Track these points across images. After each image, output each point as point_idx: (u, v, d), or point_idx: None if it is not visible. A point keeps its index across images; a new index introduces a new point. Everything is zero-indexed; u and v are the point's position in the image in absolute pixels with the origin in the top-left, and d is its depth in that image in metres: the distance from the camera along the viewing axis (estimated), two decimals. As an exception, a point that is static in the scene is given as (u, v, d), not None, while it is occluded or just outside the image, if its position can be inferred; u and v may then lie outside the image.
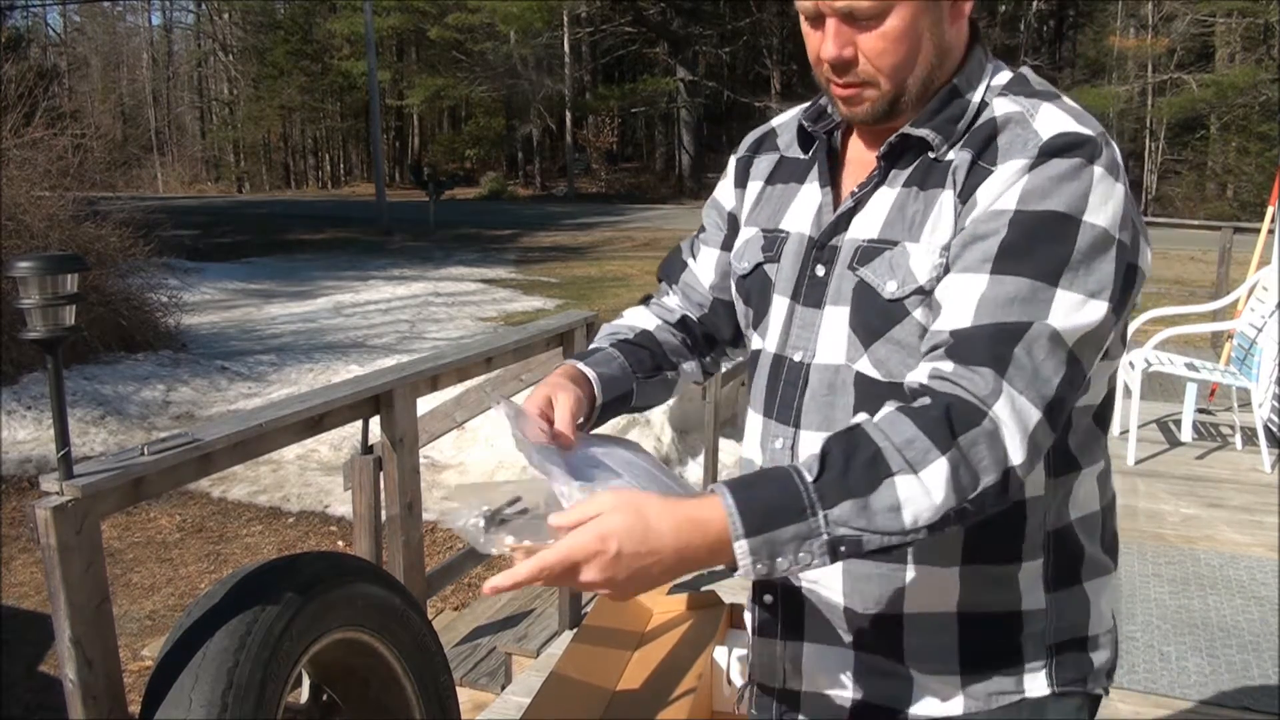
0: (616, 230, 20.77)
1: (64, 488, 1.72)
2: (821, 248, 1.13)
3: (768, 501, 0.91)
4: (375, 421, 2.61)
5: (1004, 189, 1.00)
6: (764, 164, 1.27)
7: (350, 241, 19.53)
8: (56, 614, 1.73)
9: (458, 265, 16.14)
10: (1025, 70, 1.13)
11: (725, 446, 5.78)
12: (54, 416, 1.79)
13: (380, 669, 2.22)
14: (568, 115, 31.06)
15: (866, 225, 1.10)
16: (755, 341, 1.23)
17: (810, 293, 1.14)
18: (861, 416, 0.97)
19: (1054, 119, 1.02)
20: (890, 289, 1.05)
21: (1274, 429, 4.99)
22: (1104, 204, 0.98)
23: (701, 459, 5.41)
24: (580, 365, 1.23)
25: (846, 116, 1.10)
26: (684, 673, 2.78)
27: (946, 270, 1.02)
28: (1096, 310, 0.97)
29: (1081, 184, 0.98)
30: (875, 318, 1.07)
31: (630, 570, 0.93)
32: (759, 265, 1.20)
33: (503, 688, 3.26)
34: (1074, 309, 0.96)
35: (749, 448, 1.23)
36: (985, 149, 1.03)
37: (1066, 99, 1.07)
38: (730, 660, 2.75)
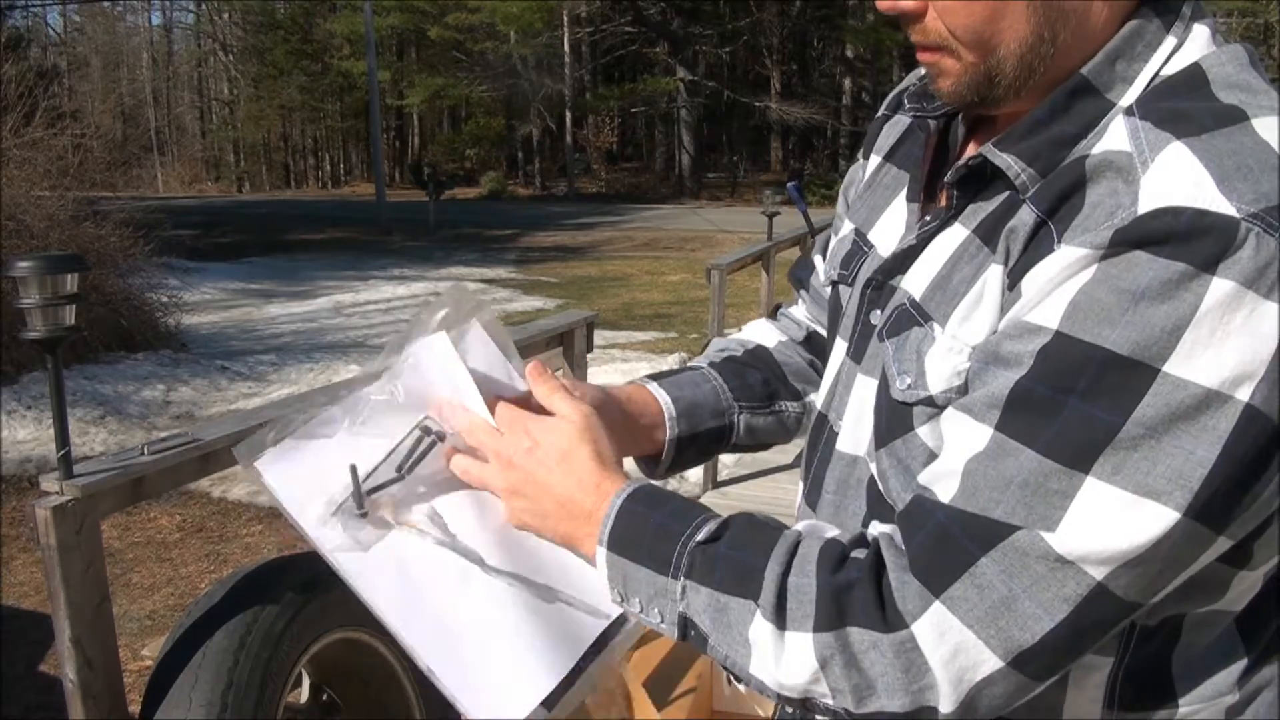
0: (616, 230, 20.76)
1: (64, 487, 1.72)
2: (879, 288, 0.82)
3: (648, 530, 0.73)
4: (375, 421, 2.61)
5: (1051, 287, 0.64)
6: (895, 129, 0.91)
7: (350, 241, 19.52)
8: (56, 614, 1.73)
9: (458, 265, 16.13)
10: (1215, 55, 0.69)
11: (725, 446, 5.78)
12: (54, 416, 1.79)
13: (380, 669, 2.22)
14: (568, 115, 31.05)
15: (921, 275, 0.77)
16: (814, 391, 0.96)
17: (860, 344, 0.84)
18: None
19: (1175, 175, 0.62)
20: (900, 386, 0.76)
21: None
22: (1215, 345, 0.59)
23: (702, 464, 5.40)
24: (648, 383, 0.95)
25: (939, 97, 0.77)
26: (684, 673, 2.79)
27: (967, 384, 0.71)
28: (1154, 521, 0.60)
29: (1175, 309, 0.59)
30: (884, 416, 0.78)
31: (519, 483, 0.78)
32: (835, 285, 0.91)
33: (503, 688, 3.25)
34: (1109, 515, 0.60)
35: (796, 508, 0.95)
36: (1060, 206, 0.66)
37: (1257, 127, 0.63)
38: (730, 660, 2.75)
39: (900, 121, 0.91)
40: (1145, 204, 0.61)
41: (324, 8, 34.74)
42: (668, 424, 0.94)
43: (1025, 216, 0.68)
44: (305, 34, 35.93)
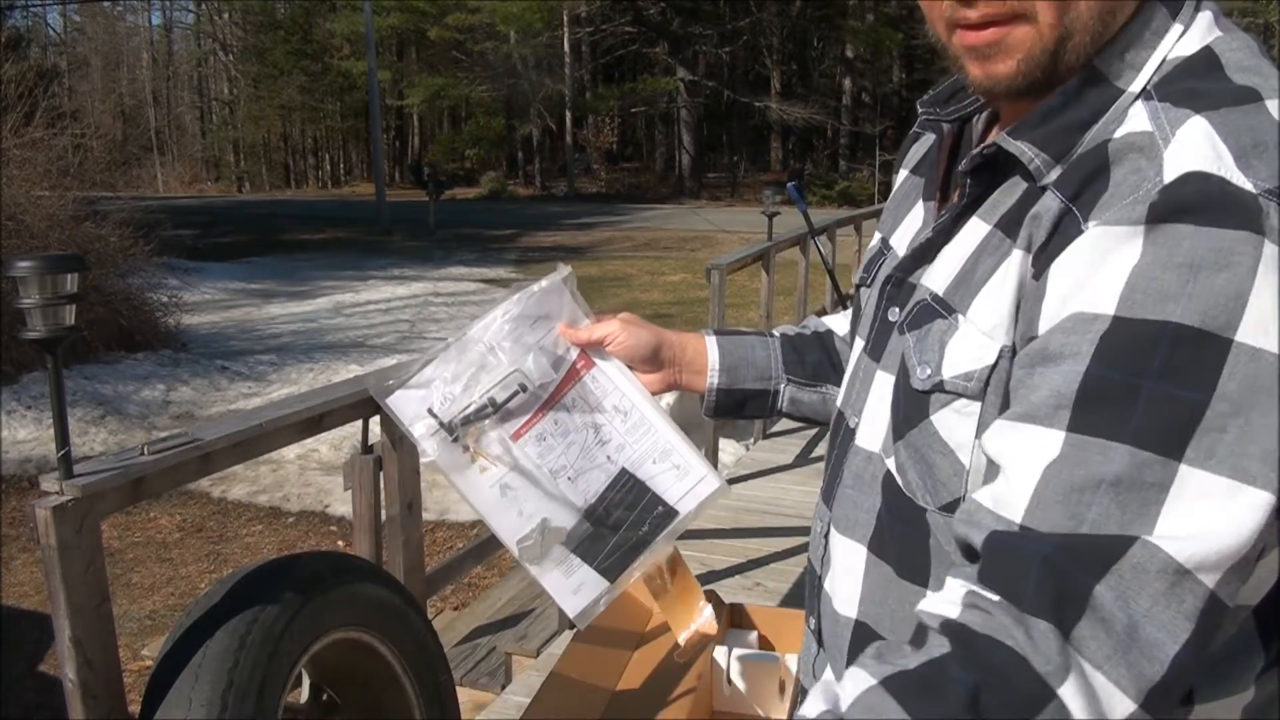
0: (616, 230, 20.77)
1: (64, 487, 1.72)
2: (899, 284, 0.82)
3: None
4: (375, 421, 2.61)
5: (1090, 271, 0.62)
6: (921, 145, 0.94)
7: (350, 241, 19.53)
8: (56, 614, 1.73)
9: (458, 265, 16.14)
10: (1225, 40, 0.71)
11: (725, 446, 5.78)
12: (54, 416, 1.79)
13: (380, 669, 2.22)
14: (568, 115, 31.07)
15: (942, 270, 0.78)
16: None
17: (878, 340, 0.84)
18: (847, 677, 0.60)
19: (1197, 145, 0.62)
20: (920, 376, 0.75)
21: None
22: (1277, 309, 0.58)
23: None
24: (707, 335, 1.06)
25: (982, 86, 0.72)
26: (684, 673, 2.78)
27: (991, 376, 0.70)
28: (1252, 510, 0.56)
29: (1233, 276, 0.58)
30: (903, 408, 0.78)
31: None
32: (858, 289, 0.95)
33: (503, 688, 3.26)
34: (1212, 507, 0.57)
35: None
36: (1084, 191, 0.65)
37: (1270, 108, 0.64)
38: (730, 660, 2.75)
39: (929, 139, 0.92)
40: (1171, 172, 0.61)
41: (324, 8, 34.75)
42: (710, 374, 1.05)
43: (1049, 203, 0.67)
44: (305, 34, 35.93)
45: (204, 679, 1.75)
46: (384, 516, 2.69)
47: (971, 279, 0.73)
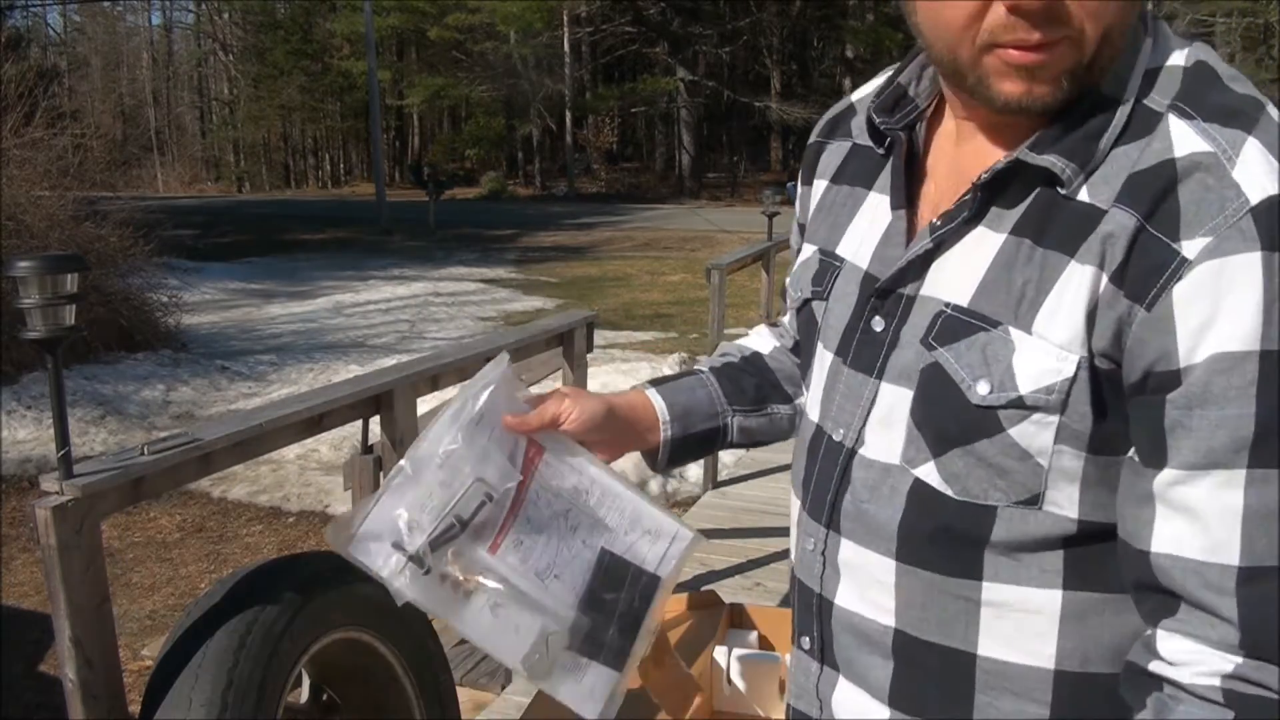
0: (616, 230, 20.76)
1: (64, 487, 1.72)
2: (885, 295, 0.83)
3: None
4: (375, 421, 2.61)
5: (1217, 306, 0.66)
6: (834, 154, 0.96)
7: (350, 241, 19.53)
8: (56, 614, 1.73)
9: (458, 265, 16.13)
10: (1201, 51, 0.76)
11: (725, 446, 5.78)
12: (54, 416, 1.79)
13: (380, 669, 2.22)
14: (568, 115, 31.06)
15: (954, 281, 0.79)
16: (803, 396, 0.97)
17: (863, 353, 0.85)
18: None
19: (1259, 167, 0.68)
20: (981, 391, 0.75)
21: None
22: None
23: (701, 459, 5.41)
24: (647, 389, 1.01)
25: (1018, 104, 0.73)
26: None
27: (1072, 389, 0.73)
28: None
29: None
30: (951, 421, 0.78)
31: None
32: (807, 302, 0.94)
33: (503, 688, 3.25)
34: None
35: (792, 520, 0.96)
36: (1157, 209, 0.69)
37: (1272, 114, 0.72)
38: (730, 660, 2.75)
39: (837, 147, 0.97)
40: (1253, 196, 0.66)
41: (324, 8, 34.74)
42: (663, 428, 1.02)
43: (1122, 220, 0.70)
44: (305, 34, 35.92)
45: (204, 679, 1.75)
46: (384, 516, 2.68)
47: (1009, 288, 0.75)
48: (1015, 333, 0.74)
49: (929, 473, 0.79)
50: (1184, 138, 0.70)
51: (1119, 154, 0.73)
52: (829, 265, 0.92)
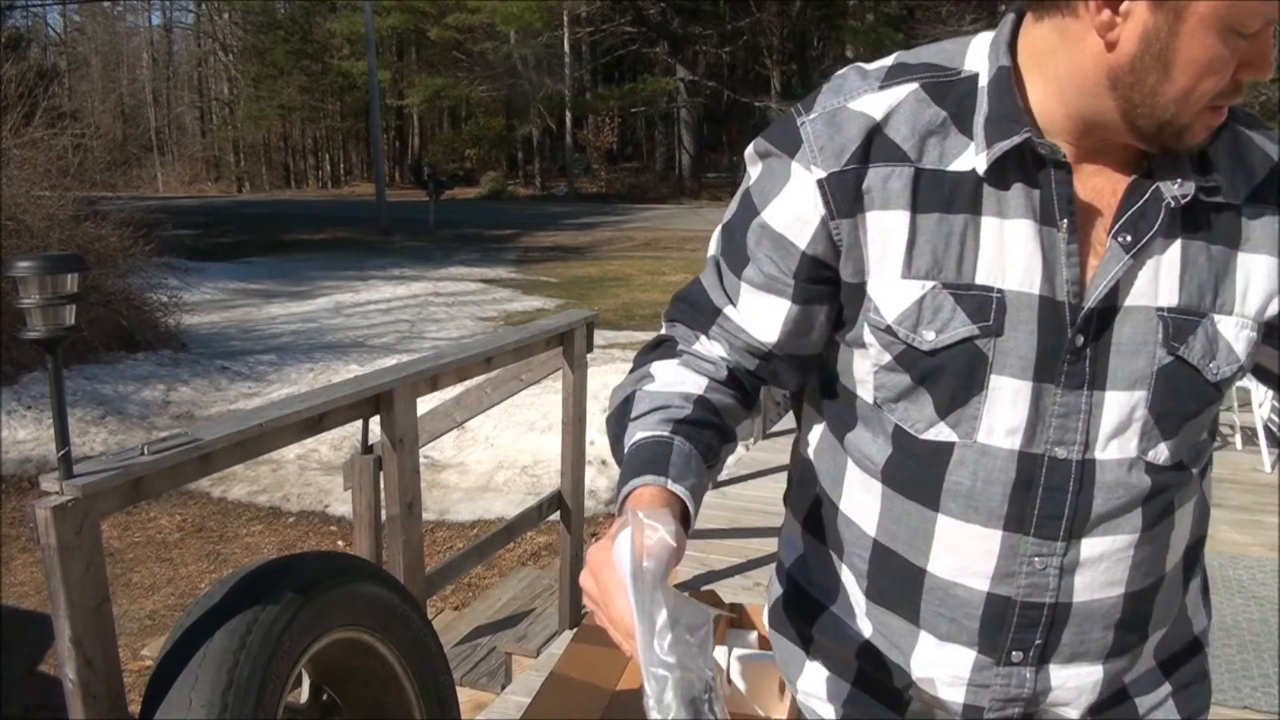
0: (616, 230, 20.77)
1: (64, 487, 1.72)
2: (1090, 318, 0.89)
3: None
4: (375, 421, 2.61)
5: None
6: (894, 181, 0.89)
7: (350, 241, 19.53)
8: (56, 614, 1.73)
9: (458, 265, 16.13)
10: None
11: (725, 446, 5.78)
12: (54, 416, 1.79)
13: (380, 669, 2.22)
14: (568, 115, 31.06)
15: (1154, 287, 0.89)
16: (942, 432, 0.93)
17: (1073, 372, 0.89)
18: None
19: None
20: (1213, 371, 0.91)
21: (1274, 429, 4.99)
22: None
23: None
24: (672, 486, 0.91)
25: (1197, 143, 0.88)
26: (684, 673, 2.78)
27: (1257, 341, 0.94)
28: None
29: None
30: (1192, 402, 0.92)
31: None
32: (969, 340, 0.90)
33: (503, 688, 3.26)
34: None
35: (943, 562, 0.95)
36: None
37: None
38: (730, 660, 2.75)
39: (893, 171, 0.89)
40: None
41: (324, 8, 34.74)
42: (692, 518, 0.95)
43: (1270, 215, 0.91)
44: (305, 34, 35.93)
45: (204, 679, 1.75)
46: (384, 516, 2.69)
47: (1198, 282, 0.90)
48: (1218, 318, 0.90)
49: (1159, 453, 0.92)
50: (1265, 144, 0.92)
51: (1224, 165, 0.90)
52: (984, 299, 0.89)
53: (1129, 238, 0.87)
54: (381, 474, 2.64)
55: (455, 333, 10.61)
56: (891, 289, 0.91)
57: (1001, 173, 0.88)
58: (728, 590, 3.61)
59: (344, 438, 6.21)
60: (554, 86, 30.06)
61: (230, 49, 41.82)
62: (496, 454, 6.39)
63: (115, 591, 4.36)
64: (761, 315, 0.97)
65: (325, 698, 2.25)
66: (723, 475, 5.16)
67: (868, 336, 0.93)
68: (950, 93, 0.90)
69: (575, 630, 3.23)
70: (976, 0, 26.05)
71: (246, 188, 39.37)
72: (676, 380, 0.99)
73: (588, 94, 32.20)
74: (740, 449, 5.94)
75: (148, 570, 5.16)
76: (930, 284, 0.90)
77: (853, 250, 0.91)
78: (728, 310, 1.00)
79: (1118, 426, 0.90)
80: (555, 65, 30.16)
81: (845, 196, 0.90)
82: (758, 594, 3.74)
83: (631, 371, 1.04)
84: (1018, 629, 0.96)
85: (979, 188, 0.88)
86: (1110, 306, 0.88)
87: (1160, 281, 0.89)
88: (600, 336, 6.29)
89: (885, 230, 0.90)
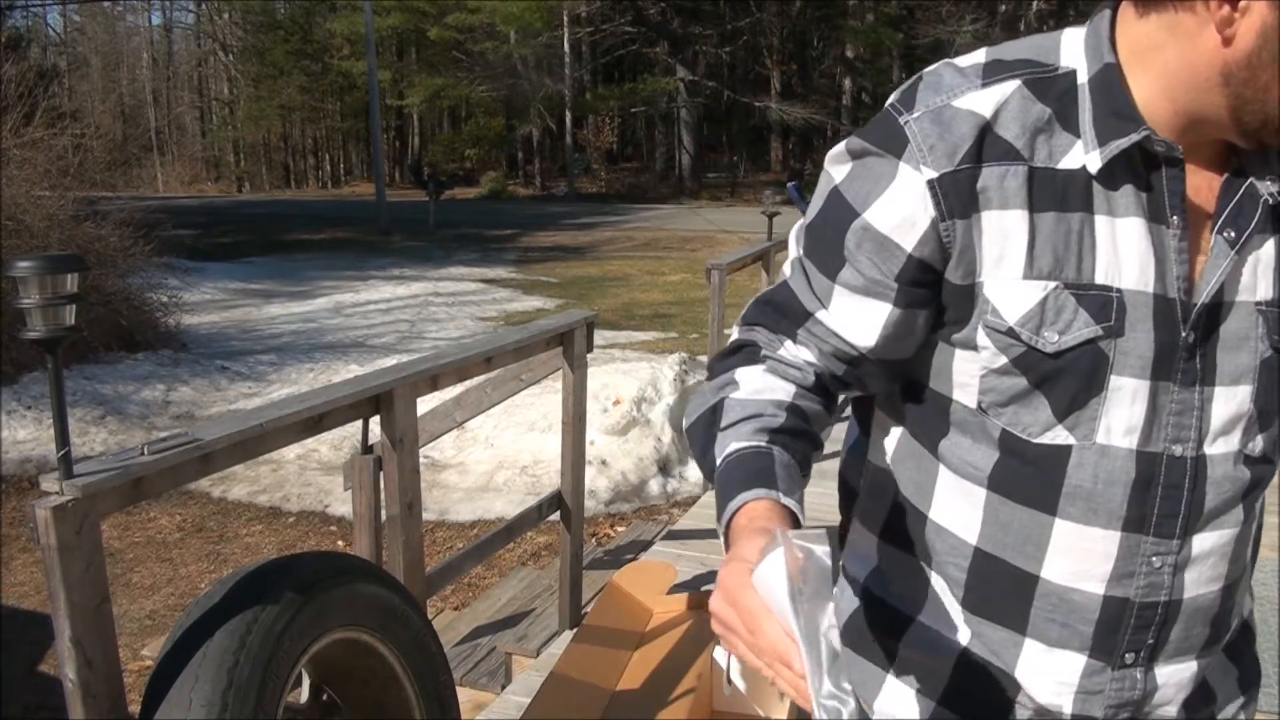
0: (616, 230, 20.77)
1: (64, 487, 1.72)
2: (1201, 312, 0.90)
3: None
4: (375, 421, 2.61)
5: None
6: (1009, 180, 0.88)
7: (350, 241, 19.53)
8: (56, 614, 1.73)
9: (458, 265, 16.13)
10: None
11: (725, 446, 5.79)
12: (54, 416, 1.79)
13: (380, 669, 2.22)
14: (568, 115, 31.06)
15: (1254, 282, 0.92)
16: (1059, 436, 0.92)
17: (1187, 369, 0.91)
18: None
19: None
20: None
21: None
22: None
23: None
24: (784, 500, 0.88)
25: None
26: (684, 673, 2.79)
27: None
28: None
29: None
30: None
31: None
32: (1092, 341, 0.89)
33: (503, 688, 3.26)
34: None
35: (1058, 566, 0.94)
36: None
37: None
38: (730, 660, 2.76)
39: (1007, 170, 0.88)
40: None
41: (324, 8, 34.74)
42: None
43: None
44: (305, 34, 35.93)
45: (204, 679, 1.75)
46: (384, 516, 2.69)
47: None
48: None
49: (1257, 444, 0.94)
50: None
51: None
52: (1103, 298, 0.89)
53: (1233, 234, 0.89)
54: (381, 474, 2.64)
55: (455, 333, 10.61)
56: (1012, 290, 0.89)
57: (1111, 170, 0.88)
58: (728, 590, 3.61)
59: (344, 438, 6.21)
60: (554, 86, 30.06)
61: (230, 49, 41.82)
62: (496, 454, 6.39)
63: (115, 591, 4.36)
64: (859, 319, 0.94)
65: (325, 698, 2.25)
66: (723, 475, 5.16)
67: (982, 339, 0.91)
68: (1051, 89, 0.89)
69: (575, 630, 3.23)
70: (976, 0, 26.05)
71: (246, 188, 39.37)
72: (765, 387, 0.96)
73: (588, 94, 32.20)
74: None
75: (148, 570, 5.16)
76: (1052, 284, 0.89)
77: (965, 252, 0.89)
78: (820, 314, 0.96)
79: (1226, 422, 0.92)
80: (555, 65, 30.16)
81: (959, 197, 0.88)
82: (758, 594, 3.73)
83: (710, 378, 1.00)
84: (1134, 630, 0.96)
85: (1089, 185, 0.88)
86: (1218, 303, 0.90)
87: (1258, 276, 0.91)
88: (600, 336, 6.29)
89: (1003, 230, 0.88)
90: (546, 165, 34.45)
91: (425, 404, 2.91)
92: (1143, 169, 0.88)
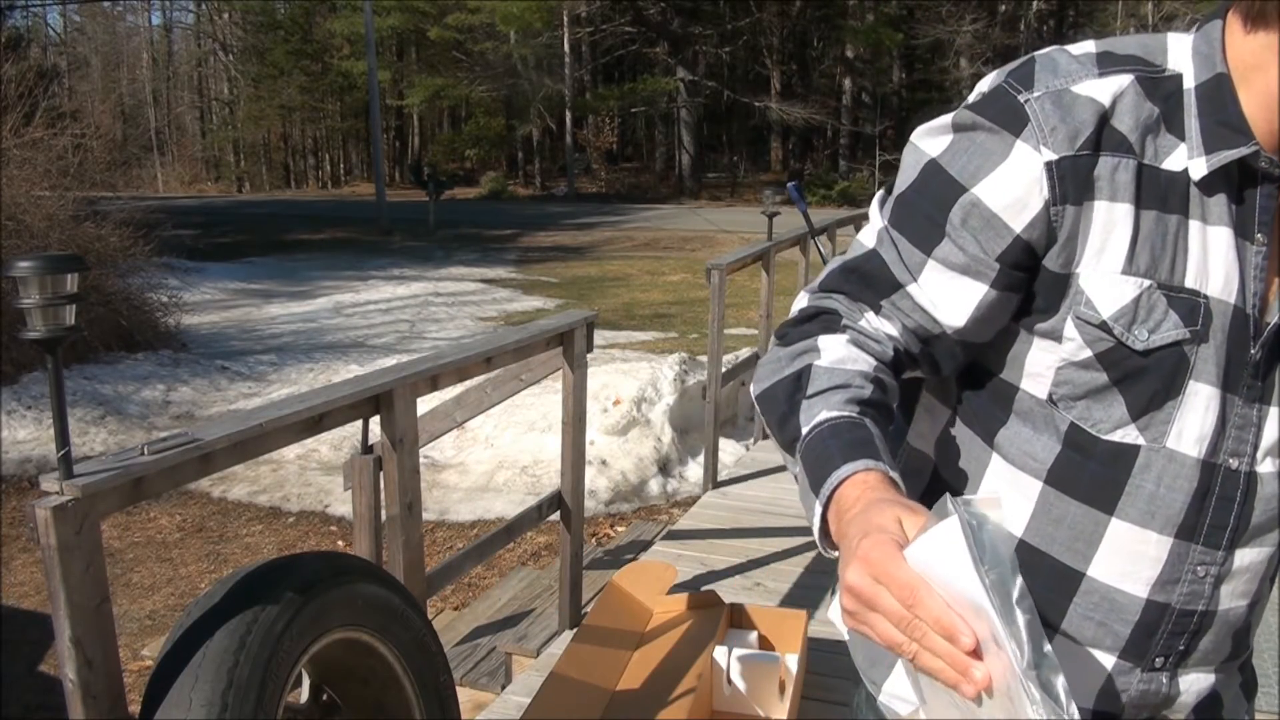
0: (616, 230, 20.77)
1: (64, 488, 1.72)
2: (1271, 332, 0.91)
3: None
4: (375, 421, 2.61)
5: None
6: (1121, 173, 0.87)
7: (350, 241, 19.53)
8: (56, 614, 1.73)
9: (458, 265, 16.14)
10: None
11: (725, 446, 5.78)
12: (54, 416, 1.79)
13: (380, 669, 2.22)
14: (568, 115, 31.07)
15: None
16: (1129, 435, 0.92)
17: (1252, 384, 0.91)
18: None
19: None
20: None
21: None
22: None
23: (702, 459, 5.41)
24: (893, 474, 0.84)
25: None
26: (684, 673, 2.79)
27: None
28: None
29: None
30: None
31: None
32: (1178, 344, 0.89)
33: (503, 688, 3.26)
34: None
35: (1107, 566, 0.94)
36: None
37: None
38: (730, 660, 2.75)
39: (1115, 164, 0.87)
40: None
41: (324, 8, 34.75)
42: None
43: None
44: (305, 34, 35.93)
45: (204, 679, 1.75)
46: (384, 516, 2.69)
47: None
48: None
49: None
50: None
51: None
52: (1192, 303, 0.89)
53: None
54: (381, 474, 2.64)
55: (455, 333, 10.61)
56: (1109, 284, 0.88)
57: (1210, 179, 0.88)
58: (728, 590, 3.61)
59: (344, 438, 6.21)
60: (554, 86, 30.06)
61: (230, 49, 41.82)
62: (496, 454, 6.39)
63: (115, 591, 4.36)
64: (952, 297, 0.91)
65: (325, 698, 2.25)
66: (723, 475, 5.16)
67: (1070, 330, 0.90)
68: (1158, 90, 0.89)
69: (575, 630, 3.23)
70: (976, 0, 26.05)
71: (246, 188, 39.37)
72: (848, 358, 0.92)
73: (588, 94, 32.21)
74: (740, 448, 5.94)
75: (148, 570, 5.16)
76: (1147, 283, 0.88)
77: (1069, 240, 0.88)
78: (910, 288, 0.93)
79: (1277, 441, 0.92)
80: (555, 65, 30.17)
81: (1075, 183, 0.86)
82: (758, 594, 3.74)
83: (784, 343, 0.96)
84: (1169, 635, 0.97)
85: (1188, 190, 0.88)
86: (1273, 321, 0.90)
87: None
88: (600, 336, 6.29)
89: (1110, 222, 0.88)
90: (546, 165, 34.46)
91: (425, 404, 2.91)
92: (1238, 182, 0.88)
